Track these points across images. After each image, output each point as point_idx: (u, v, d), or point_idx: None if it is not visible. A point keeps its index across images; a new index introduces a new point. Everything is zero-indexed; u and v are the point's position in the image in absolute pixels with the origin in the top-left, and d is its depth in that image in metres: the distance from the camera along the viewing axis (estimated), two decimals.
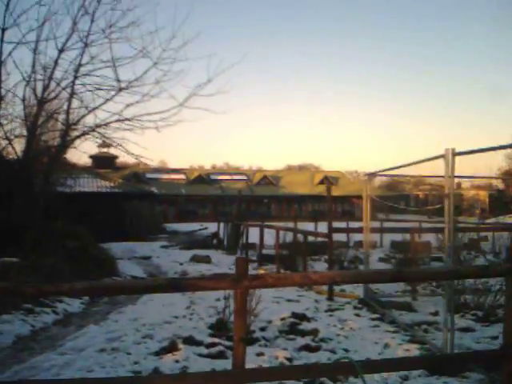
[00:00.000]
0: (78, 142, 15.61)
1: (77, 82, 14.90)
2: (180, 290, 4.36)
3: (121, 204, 29.39)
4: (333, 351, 7.40)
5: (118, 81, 14.92)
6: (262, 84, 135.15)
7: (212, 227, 32.18)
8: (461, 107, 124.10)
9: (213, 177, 61.02)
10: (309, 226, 24.46)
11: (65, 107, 15.06)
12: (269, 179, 61.26)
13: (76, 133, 15.25)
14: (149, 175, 56.50)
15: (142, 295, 11.83)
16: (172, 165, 56.67)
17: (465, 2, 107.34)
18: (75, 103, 15.12)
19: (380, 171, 11.39)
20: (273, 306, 10.10)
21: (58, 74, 15.06)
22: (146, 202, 32.51)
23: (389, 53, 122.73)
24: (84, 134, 15.06)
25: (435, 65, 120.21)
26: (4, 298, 9.23)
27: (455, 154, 7.18)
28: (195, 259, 18.21)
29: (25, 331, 8.40)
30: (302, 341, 7.90)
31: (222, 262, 18.19)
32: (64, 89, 14.84)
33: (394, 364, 4.66)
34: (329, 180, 62.44)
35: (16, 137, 15.09)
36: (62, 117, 15.65)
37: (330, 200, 12.76)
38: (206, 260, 18.10)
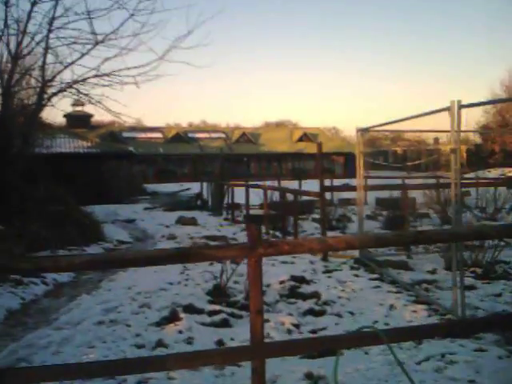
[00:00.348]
0: (55, 99, 14.96)
1: (51, 35, 14.18)
2: (189, 260, 4.02)
3: (99, 165, 28.74)
4: (339, 315, 7.20)
5: (94, 34, 14.23)
6: (240, 37, 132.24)
7: (192, 187, 31.77)
8: (444, 61, 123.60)
9: (191, 135, 60.19)
10: (292, 184, 24.28)
11: (40, 63, 14.33)
12: (248, 137, 60.67)
13: (53, 90, 14.57)
14: (125, 134, 55.47)
15: (154, 245, 11.52)
16: (148, 123, 55.48)
17: None
18: (51, 59, 14.43)
19: (374, 126, 11.07)
20: (269, 268, 9.84)
21: (31, 28, 14.34)
22: (124, 163, 31.86)
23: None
24: (61, 90, 14.40)
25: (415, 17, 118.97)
26: None
27: (461, 106, 6.88)
28: (181, 221, 17.83)
29: (15, 305, 8.02)
30: (304, 305, 7.68)
31: (209, 224, 17.86)
32: (38, 43, 14.11)
33: (420, 332, 4.43)
34: (308, 137, 62.18)
35: None
36: (37, 73, 14.91)
37: (320, 157, 12.38)
38: (192, 222, 17.74)
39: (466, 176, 40.80)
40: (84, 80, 14.31)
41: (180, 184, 44.28)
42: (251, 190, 19.11)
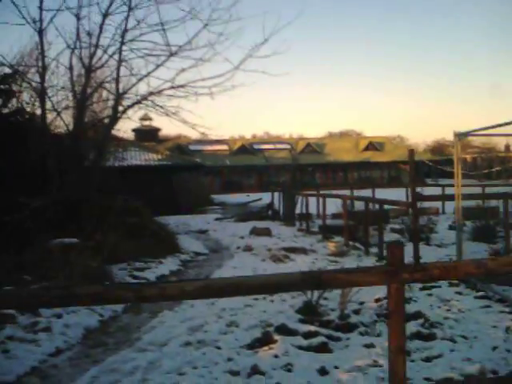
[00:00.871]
0: (130, 112, 14.75)
1: (124, 48, 14.00)
2: (321, 287, 3.37)
3: (170, 177, 28.70)
4: (452, 340, 6.36)
5: (168, 45, 13.95)
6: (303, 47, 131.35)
7: (260, 197, 31.25)
8: None
9: (256, 146, 59.97)
10: (361, 193, 23.37)
11: (114, 75, 14.16)
12: (312, 147, 59.87)
13: (128, 102, 14.38)
14: (192, 147, 55.90)
15: (212, 273, 11.02)
16: (213, 136, 55.56)
17: None
18: (124, 71, 14.22)
19: (472, 130, 10.12)
20: None
21: (104, 40, 14.19)
22: (194, 174, 31.76)
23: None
24: (136, 103, 14.19)
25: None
26: (67, 285, 8.51)
27: None
28: (255, 232, 17.27)
29: (93, 322, 7.57)
30: (408, 326, 6.87)
31: (283, 234, 17.22)
32: (111, 56, 13.95)
33: None
34: (374, 146, 60.79)
35: (65, 108, 14.32)
36: (110, 86, 14.78)
37: (412, 164, 11.51)
38: (267, 232, 17.14)
39: None
40: (159, 92, 14.06)
41: (246, 195, 44.00)
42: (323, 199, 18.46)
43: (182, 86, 14.01)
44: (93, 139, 16.64)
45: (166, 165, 28.83)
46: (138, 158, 29.10)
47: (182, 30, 14.98)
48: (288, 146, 60.74)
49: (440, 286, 9.23)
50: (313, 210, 20.06)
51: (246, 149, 58.62)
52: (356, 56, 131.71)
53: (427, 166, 63.33)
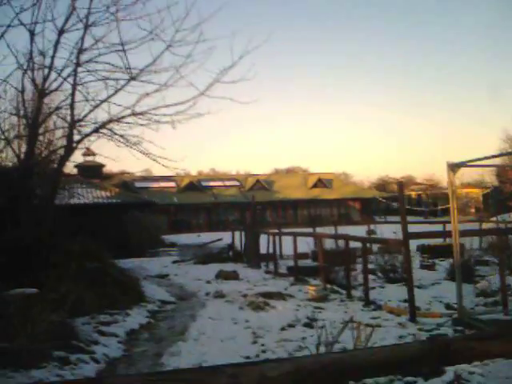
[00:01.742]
0: (87, 142, 13.50)
1: (80, 69, 12.84)
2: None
3: (120, 216, 27.22)
4: None
5: (128, 68, 12.87)
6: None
7: (209, 237, 29.98)
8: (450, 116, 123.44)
9: (204, 183, 58.85)
10: (323, 230, 22.68)
11: (69, 101, 12.96)
12: (262, 184, 59.27)
13: (85, 130, 13.16)
14: (137, 184, 54.16)
15: (188, 327, 9.86)
16: (157, 172, 54.08)
17: None
18: (81, 96, 13.04)
19: (467, 161, 9.57)
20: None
21: (58, 62, 13.02)
22: (145, 213, 30.35)
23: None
24: (94, 131, 12.97)
25: (423, 69, 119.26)
26: (30, 347, 7.23)
27: None
28: (222, 276, 16.16)
29: None
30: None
31: (252, 278, 16.21)
32: (66, 79, 12.76)
33: None
34: (323, 182, 60.81)
35: (16, 137, 12.98)
36: (65, 112, 13.53)
37: (401, 198, 10.85)
38: (234, 276, 16.09)
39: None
40: (118, 119, 12.92)
41: (197, 235, 42.72)
42: (284, 238, 17.71)
43: (143, 114, 12.93)
44: (45, 173, 15.29)
45: (117, 203, 27.41)
46: (85, 195, 27.55)
47: (143, 51, 14.07)
48: (237, 183, 59.97)
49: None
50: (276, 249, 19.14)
51: (195, 186, 57.42)
52: (300, 94, 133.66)
53: (374, 204, 64.20)
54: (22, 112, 13.02)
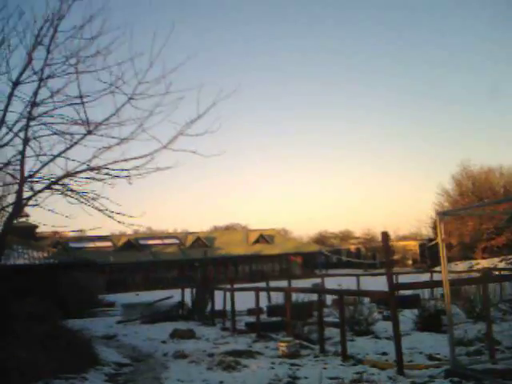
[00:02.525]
0: (39, 199, 12.34)
1: (34, 123, 11.89)
2: None
3: (59, 277, 25.54)
4: None
5: (86, 122, 11.99)
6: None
7: (147, 295, 28.32)
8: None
9: (142, 242, 57.13)
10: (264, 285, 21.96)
11: (19, 156, 11.91)
12: (202, 241, 58.14)
13: (37, 186, 12.06)
14: (72, 244, 51.86)
15: (164, 367, 8.79)
16: (90, 232, 52.04)
17: None
18: (33, 151, 12.02)
19: (453, 210, 9.27)
20: None
21: (11, 116, 12.02)
22: (84, 273, 28.69)
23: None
24: (48, 187, 11.91)
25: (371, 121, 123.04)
26: None
27: None
28: (177, 335, 14.99)
29: None
30: None
31: (210, 336, 15.16)
32: (17, 134, 11.77)
33: None
34: (264, 238, 60.42)
35: None
36: (13, 168, 12.43)
37: (387, 249, 10.35)
38: (191, 335, 14.98)
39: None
40: (73, 174, 11.93)
41: (136, 294, 41.03)
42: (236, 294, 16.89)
43: (100, 168, 12.00)
44: None
45: (54, 263, 25.72)
46: (21, 256, 25.81)
47: (102, 104, 13.16)
48: (176, 241, 58.58)
49: None
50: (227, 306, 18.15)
51: (132, 244, 55.62)
52: (235, 148, 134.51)
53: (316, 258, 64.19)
54: None
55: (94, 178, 12.15)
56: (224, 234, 65.99)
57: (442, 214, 9.34)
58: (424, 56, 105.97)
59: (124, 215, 12.09)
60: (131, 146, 12.91)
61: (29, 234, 47.22)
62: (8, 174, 12.51)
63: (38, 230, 50.35)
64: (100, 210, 12.16)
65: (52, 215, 12.88)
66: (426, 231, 68.45)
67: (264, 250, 57.90)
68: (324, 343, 11.84)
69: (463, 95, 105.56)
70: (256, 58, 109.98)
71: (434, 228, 64.81)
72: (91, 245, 53.63)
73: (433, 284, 14.96)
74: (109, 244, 55.76)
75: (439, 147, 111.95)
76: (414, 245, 71.66)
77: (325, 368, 9.86)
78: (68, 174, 12.00)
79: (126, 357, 12.67)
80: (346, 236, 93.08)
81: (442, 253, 8.87)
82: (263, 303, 20.14)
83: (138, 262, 52.24)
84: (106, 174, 12.09)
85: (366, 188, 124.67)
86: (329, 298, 21.67)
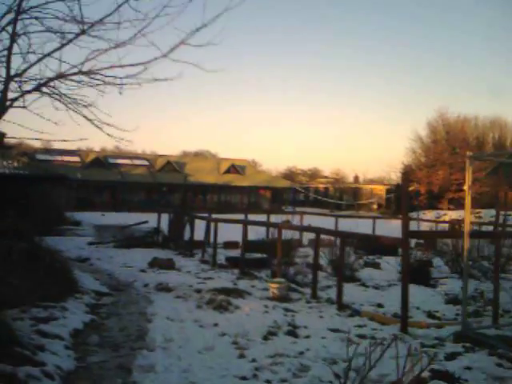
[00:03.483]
0: (27, 101, 11.17)
1: (24, 16, 10.57)
2: None
3: (26, 189, 24.39)
4: None
5: (81, 21, 10.72)
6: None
7: (113, 217, 27.34)
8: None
9: (111, 160, 55.62)
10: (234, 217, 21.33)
11: (5, 53, 10.64)
12: (173, 165, 56.98)
13: (25, 87, 10.88)
14: (39, 156, 50.02)
15: (144, 329, 8.15)
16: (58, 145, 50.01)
17: None
18: (21, 48, 10.75)
19: (486, 154, 8.56)
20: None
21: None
22: (54, 188, 27.54)
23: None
24: (36, 88, 10.74)
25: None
26: None
27: None
28: (157, 264, 14.35)
29: None
30: None
31: (190, 268, 14.60)
32: (4, 28, 10.45)
33: None
34: (236, 168, 59.65)
35: None
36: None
37: (405, 190, 9.65)
38: (170, 265, 14.35)
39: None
40: (65, 76, 10.75)
41: (102, 214, 40.23)
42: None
43: (93, 73, 10.82)
44: None
45: (25, 175, 24.49)
46: None
47: (98, 2, 11.69)
48: (146, 163, 57.26)
49: (462, 357, 7.32)
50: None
51: (101, 162, 54.12)
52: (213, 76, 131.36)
53: (281, 194, 63.91)
54: None
55: (86, 83, 11.02)
56: (194, 160, 64.77)
57: (473, 159, 8.60)
58: None
59: (114, 127, 11.10)
60: (128, 52, 11.67)
61: None
62: None
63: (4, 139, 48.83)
64: (89, 120, 11.06)
65: (19, 125, 11.80)
66: (396, 176, 68.26)
67: (235, 180, 57.21)
68: (316, 288, 11.31)
69: (452, 37, 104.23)
70: None
71: (403, 174, 64.65)
72: (58, 158, 51.93)
73: (451, 234, 14.35)
74: (77, 159, 54.13)
75: (417, 91, 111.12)
76: (380, 189, 71.34)
77: (321, 317, 9.39)
78: (58, 76, 10.78)
79: (104, 284, 12.00)
80: (314, 174, 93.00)
81: (468, 200, 8.20)
82: (238, 237, 19.63)
83: (105, 181, 51.01)
84: (99, 79, 10.98)
85: (339, 127, 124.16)
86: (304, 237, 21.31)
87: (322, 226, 14.90)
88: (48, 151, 51.54)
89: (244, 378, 6.05)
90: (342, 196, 70.28)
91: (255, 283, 12.56)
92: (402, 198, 10.56)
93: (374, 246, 18.91)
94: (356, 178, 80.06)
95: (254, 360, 6.66)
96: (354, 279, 13.75)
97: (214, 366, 6.41)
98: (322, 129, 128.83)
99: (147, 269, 14.17)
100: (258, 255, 14.81)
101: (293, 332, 8.12)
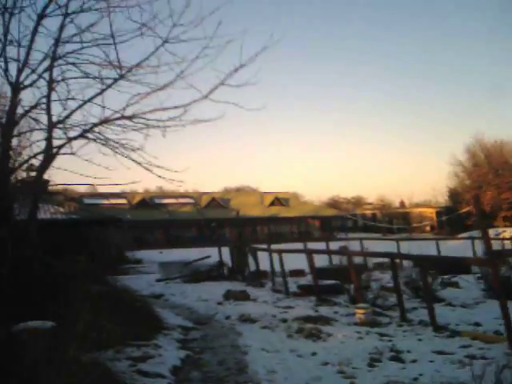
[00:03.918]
0: (73, 147, 11.32)
1: (60, 62, 10.82)
2: None
3: (84, 233, 24.68)
4: None
5: (118, 66, 10.85)
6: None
7: (170, 253, 26.97)
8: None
9: (157, 200, 56.23)
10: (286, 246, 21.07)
11: (45, 100, 10.85)
12: (217, 201, 57.24)
13: (71, 133, 11.05)
14: (87, 200, 50.87)
15: (243, 362, 7.87)
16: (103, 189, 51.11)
17: None
18: (60, 95, 10.98)
19: None
20: None
21: (36, 55, 10.94)
22: (109, 230, 27.83)
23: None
24: (81, 135, 10.87)
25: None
26: None
27: None
28: (232, 296, 14.12)
29: None
30: None
31: (265, 298, 14.30)
32: (41, 75, 10.70)
33: None
34: (280, 201, 59.50)
35: None
36: (40, 115, 11.40)
37: (478, 213, 9.25)
38: (246, 296, 14.11)
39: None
40: (109, 121, 10.85)
41: (159, 251, 40.23)
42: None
43: (135, 117, 10.92)
44: (20, 183, 13.17)
45: (79, 219, 24.79)
46: (42, 211, 24.83)
47: (133, 48, 11.81)
48: (191, 201, 57.65)
49: None
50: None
51: (147, 203, 54.71)
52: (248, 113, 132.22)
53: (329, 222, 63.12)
54: None
55: (130, 127, 11.09)
56: (238, 195, 64.78)
57: None
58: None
59: (163, 168, 11.08)
60: (169, 96, 11.74)
61: (40, 190, 46.44)
62: (34, 119, 11.49)
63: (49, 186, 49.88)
64: (138, 163, 11.15)
65: (61, 172, 11.94)
66: (443, 199, 68.36)
67: (280, 212, 56.96)
68: (405, 311, 10.86)
69: (480, 64, 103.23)
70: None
71: (450, 196, 64.75)
72: (106, 202, 52.66)
73: None
74: (124, 201, 54.82)
75: (451, 116, 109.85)
76: (430, 212, 70.62)
77: (420, 340, 8.96)
78: (102, 121, 10.98)
79: (187, 319, 11.83)
80: (358, 201, 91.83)
81: None
82: (302, 265, 19.34)
83: (155, 220, 51.41)
84: (142, 123, 11.04)
85: (377, 155, 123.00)
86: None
87: (379, 250, 14.61)
88: (94, 195, 52.47)
89: None
90: (392, 220, 69.24)
91: (336, 309, 12.19)
92: (477, 218, 10.22)
93: (445, 266, 18.40)
94: (402, 203, 79.23)
95: None
96: (437, 299, 13.19)
97: (283, 365, 6.09)
98: (362, 157, 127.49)
99: (223, 301, 13.94)
100: (330, 282, 14.41)
101: (397, 357, 7.72)
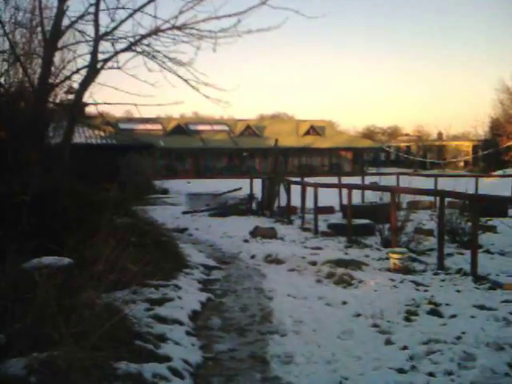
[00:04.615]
0: (120, 61, 10.63)
1: None
2: None
3: (115, 159, 24.32)
4: None
5: None
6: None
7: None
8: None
9: (192, 127, 55.61)
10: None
11: (92, 9, 10.07)
12: (252, 129, 56.29)
13: (118, 46, 10.33)
14: (122, 125, 50.50)
15: (267, 309, 7.38)
16: (136, 114, 50.26)
17: None
18: (106, 4, 10.17)
19: None
20: None
21: None
22: (141, 157, 27.46)
23: None
24: (129, 47, 10.15)
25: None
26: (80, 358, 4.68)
27: None
28: (258, 233, 13.60)
29: None
30: None
31: (293, 237, 13.69)
32: None
33: None
34: (315, 130, 58.15)
35: (31, 54, 10.09)
36: (83, 27, 10.65)
37: None
38: (273, 234, 13.58)
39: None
40: (156, 33, 10.09)
41: (187, 181, 39.95)
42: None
43: (187, 27, 10.11)
44: (60, 101, 12.61)
45: (114, 144, 24.36)
46: (77, 135, 24.44)
47: None
48: (226, 128, 56.84)
49: None
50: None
51: (182, 129, 54.14)
52: (286, 38, 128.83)
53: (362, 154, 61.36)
54: (38, 18, 10.10)
55: (179, 39, 10.31)
56: (273, 123, 63.55)
57: None
58: None
59: (212, 87, 10.36)
60: (222, 4, 10.86)
61: (78, 112, 46.23)
62: (80, 32, 10.78)
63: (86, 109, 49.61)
64: (185, 80, 10.46)
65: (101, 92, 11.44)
66: (483, 131, 63.98)
67: (315, 142, 55.71)
68: (444, 258, 10.18)
69: None
70: None
71: (492, 128, 60.57)
72: (141, 127, 52.31)
73: None
74: (159, 127, 54.39)
75: (505, 36, 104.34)
76: (466, 145, 67.21)
77: (458, 291, 8.32)
78: (152, 32, 10.22)
79: (210, 257, 11.41)
80: (394, 132, 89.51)
81: None
82: (331, 202, 18.67)
83: (187, 148, 51.00)
84: (194, 34, 10.23)
85: (419, 81, 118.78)
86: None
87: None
88: (130, 120, 52.00)
89: (401, 371, 5.17)
90: (426, 154, 67.24)
91: (367, 252, 11.57)
92: None
93: (481, 208, 17.40)
94: (440, 135, 76.12)
95: (405, 347, 5.75)
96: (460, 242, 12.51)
97: (362, 356, 5.55)
98: (400, 85, 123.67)
99: (249, 238, 13.45)
100: (362, 221, 13.72)
101: (435, 311, 7.11)
